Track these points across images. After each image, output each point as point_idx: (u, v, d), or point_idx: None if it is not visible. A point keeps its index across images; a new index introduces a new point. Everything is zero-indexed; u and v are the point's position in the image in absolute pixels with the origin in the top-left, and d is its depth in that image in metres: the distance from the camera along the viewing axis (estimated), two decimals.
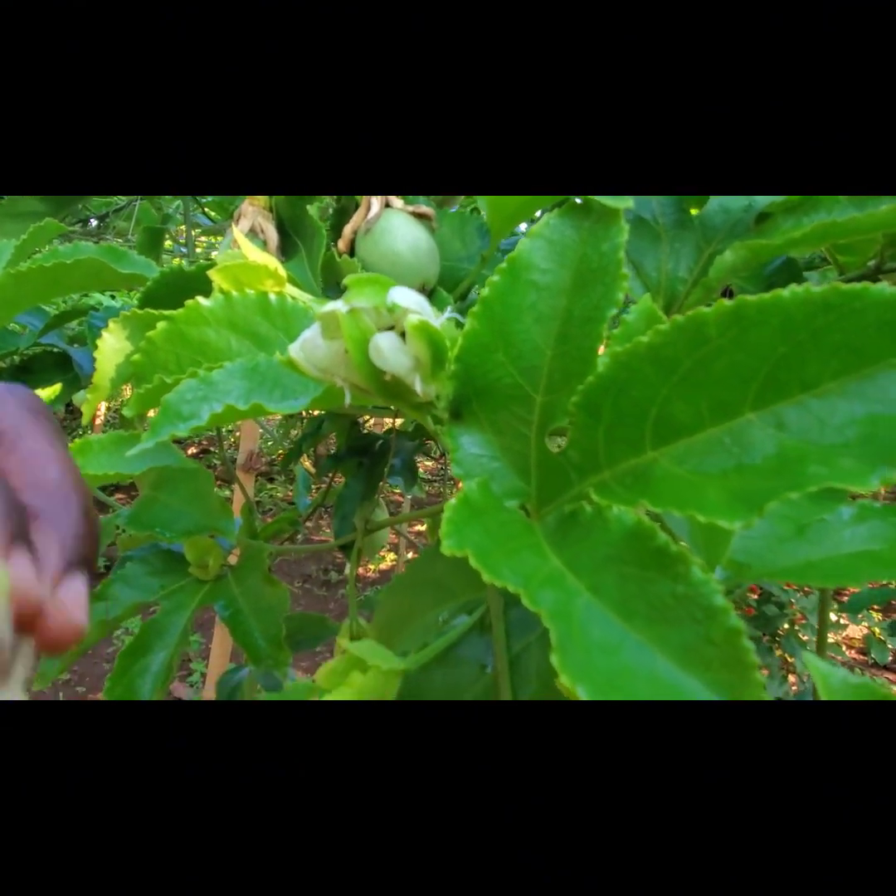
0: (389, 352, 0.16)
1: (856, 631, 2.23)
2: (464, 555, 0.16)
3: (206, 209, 0.77)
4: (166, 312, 0.26)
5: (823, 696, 0.14)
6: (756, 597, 1.77)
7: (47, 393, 0.29)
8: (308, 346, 0.17)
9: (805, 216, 0.23)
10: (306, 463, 0.80)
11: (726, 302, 0.16)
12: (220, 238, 1.07)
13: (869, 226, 0.21)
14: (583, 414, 0.19)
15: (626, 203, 0.19)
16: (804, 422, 0.17)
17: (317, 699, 0.23)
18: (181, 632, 0.38)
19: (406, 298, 0.16)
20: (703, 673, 0.13)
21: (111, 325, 0.27)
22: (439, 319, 0.17)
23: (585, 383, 0.19)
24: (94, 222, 1.00)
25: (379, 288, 0.16)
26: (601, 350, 0.21)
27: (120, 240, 0.92)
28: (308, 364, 0.18)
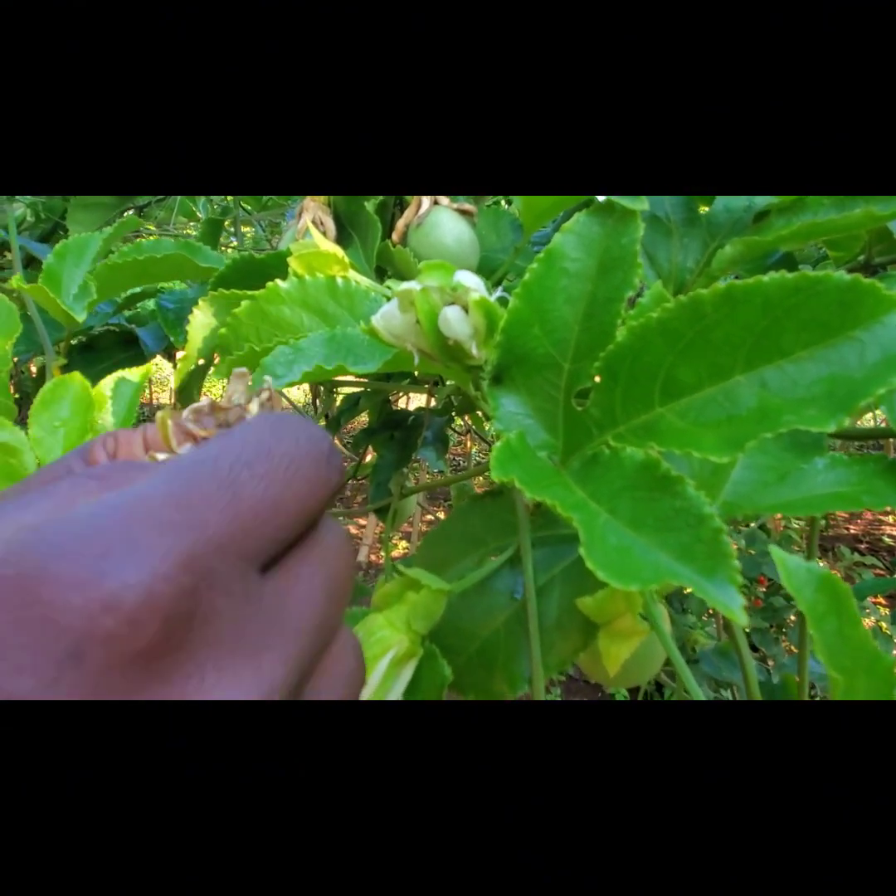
0: (455, 322, 0.21)
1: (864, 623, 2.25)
2: (509, 480, 0.21)
3: (242, 203, 0.81)
4: (249, 292, 0.30)
5: (784, 583, 0.18)
6: (764, 589, 1.80)
7: (143, 370, 0.33)
8: (387, 318, 0.22)
9: (794, 216, 0.28)
10: (337, 442, 0.85)
11: (720, 285, 0.21)
12: (250, 228, 1.12)
13: (844, 226, 0.25)
14: (603, 377, 0.24)
15: (642, 205, 0.23)
16: (781, 381, 0.21)
17: (370, 623, 0.27)
18: None
19: (469, 280, 0.21)
20: (693, 562, 0.18)
21: (200, 303, 0.32)
22: (492, 297, 0.22)
23: (606, 351, 0.23)
24: (131, 212, 1.04)
25: (446, 272, 0.21)
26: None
27: (158, 228, 0.97)
28: (386, 332, 0.22)
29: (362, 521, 2.54)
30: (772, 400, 0.21)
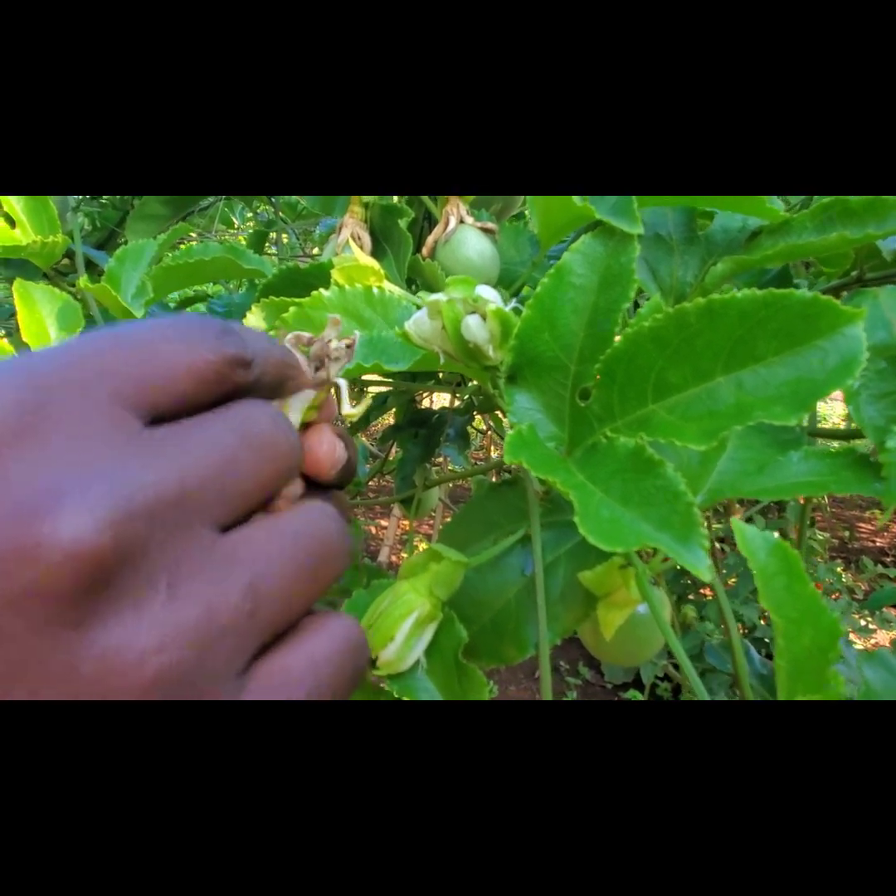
0: (475, 328, 0.24)
1: (884, 637, 2.23)
2: (519, 462, 0.25)
3: (280, 213, 0.86)
4: (296, 300, 0.35)
5: (740, 548, 0.21)
6: None
7: None
8: (417, 323, 0.26)
9: (780, 237, 0.31)
10: (363, 438, 0.89)
11: (701, 299, 0.24)
12: (285, 235, 1.17)
13: (822, 247, 0.29)
14: (603, 377, 0.27)
15: (638, 229, 0.27)
16: (755, 382, 0.24)
17: (397, 588, 0.31)
18: None
19: (487, 293, 0.24)
20: (671, 530, 0.21)
21: (253, 308, 0.36)
22: (507, 308, 0.25)
23: (605, 355, 0.27)
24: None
25: (469, 285, 0.25)
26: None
27: (199, 236, 1.03)
28: (416, 336, 0.26)
29: (384, 523, 2.59)
30: (746, 398, 0.24)
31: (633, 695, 1.86)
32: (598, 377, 0.28)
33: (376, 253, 0.41)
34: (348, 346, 0.19)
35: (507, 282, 0.39)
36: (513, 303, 0.26)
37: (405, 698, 0.30)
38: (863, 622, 2.12)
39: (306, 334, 0.19)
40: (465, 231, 0.36)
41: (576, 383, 0.29)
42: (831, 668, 0.21)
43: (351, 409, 0.20)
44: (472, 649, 0.33)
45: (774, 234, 0.31)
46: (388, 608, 0.29)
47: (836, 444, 0.31)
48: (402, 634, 0.29)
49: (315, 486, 0.18)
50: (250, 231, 0.96)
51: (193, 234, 1.07)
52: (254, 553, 0.14)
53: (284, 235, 0.81)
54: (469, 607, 0.34)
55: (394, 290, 0.35)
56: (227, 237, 1.14)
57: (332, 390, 0.19)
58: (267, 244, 0.81)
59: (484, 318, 0.25)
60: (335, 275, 0.34)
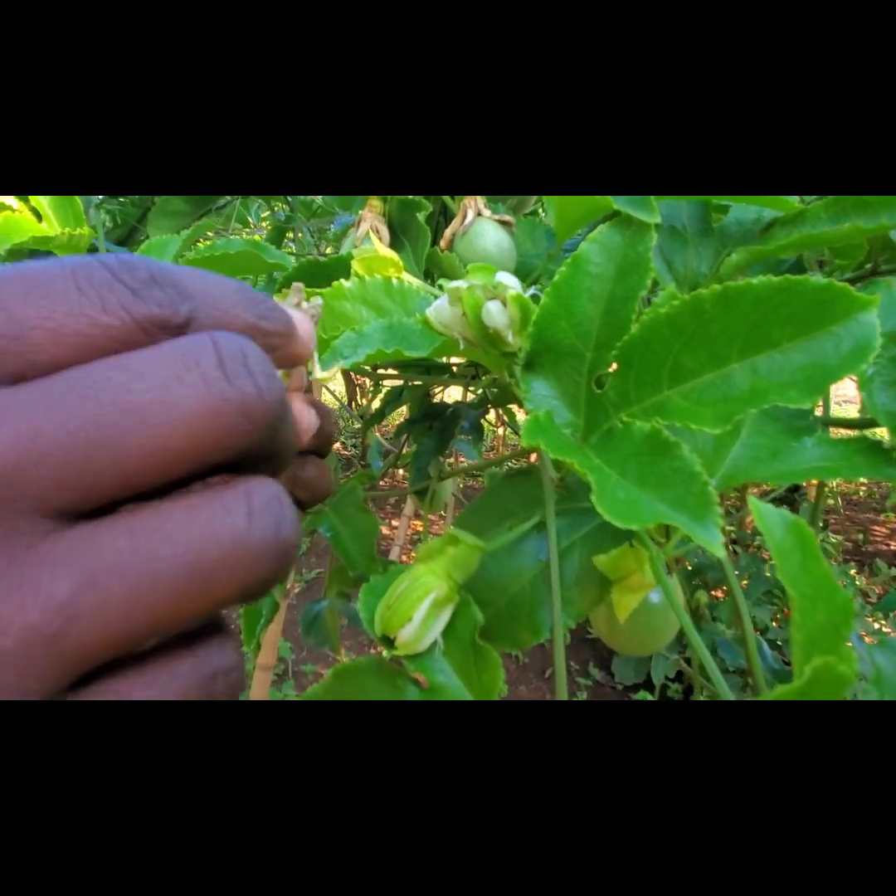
0: (496, 314, 0.25)
1: None
2: (536, 445, 0.25)
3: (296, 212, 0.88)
4: (318, 290, 0.35)
5: (757, 524, 0.22)
6: None
7: None
8: (438, 310, 0.27)
9: (794, 228, 0.31)
10: (377, 434, 0.90)
11: (717, 286, 0.25)
12: (300, 233, 1.18)
13: (835, 238, 0.29)
14: (620, 364, 0.28)
15: (655, 218, 0.27)
16: (770, 368, 0.25)
17: (415, 571, 0.32)
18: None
19: (508, 279, 0.25)
20: (686, 510, 0.22)
21: (275, 298, 0.37)
22: (526, 294, 0.26)
23: (622, 342, 0.27)
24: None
25: (488, 273, 0.26)
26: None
27: (216, 234, 1.04)
28: (437, 322, 0.27)
29: (395, 523, 2.60)
30: (761, 383, 0.25)
31: (644, 695, 1.86)
32: (614, 364, 0.28)
33: (394, 246, 0.42)
34: (313, 316, 0.18)
35: (523, 274, 0.39)
36: (532, 290, 0.26)
37: (422, 676, 0.30)
38: (876, 625, 2.10)
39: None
40: (482, 223, 0.36)
41: (592, 370, 0.30)
42: (844, 645, 0.21)
43: (323, 373, 0.19)
44: (487, 633, 0.34)
45: (788, 225, 0.32)
46: (405, 590, 0.30)
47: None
48: (420, 616, 0.30)
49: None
50: (266, 230, 0.97)
51: (211, 233, 1.09)
52: (92, 557, 0.11)
53: (300, 233, 0.83)
54: (485, 591, 0.34)
55: (412, 280, 0.35)
56: (243, 236, 1.16)
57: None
58: (284, 241, 0.82)
59: (504, 304, 0.25)
60: (355, 265, 0.35)
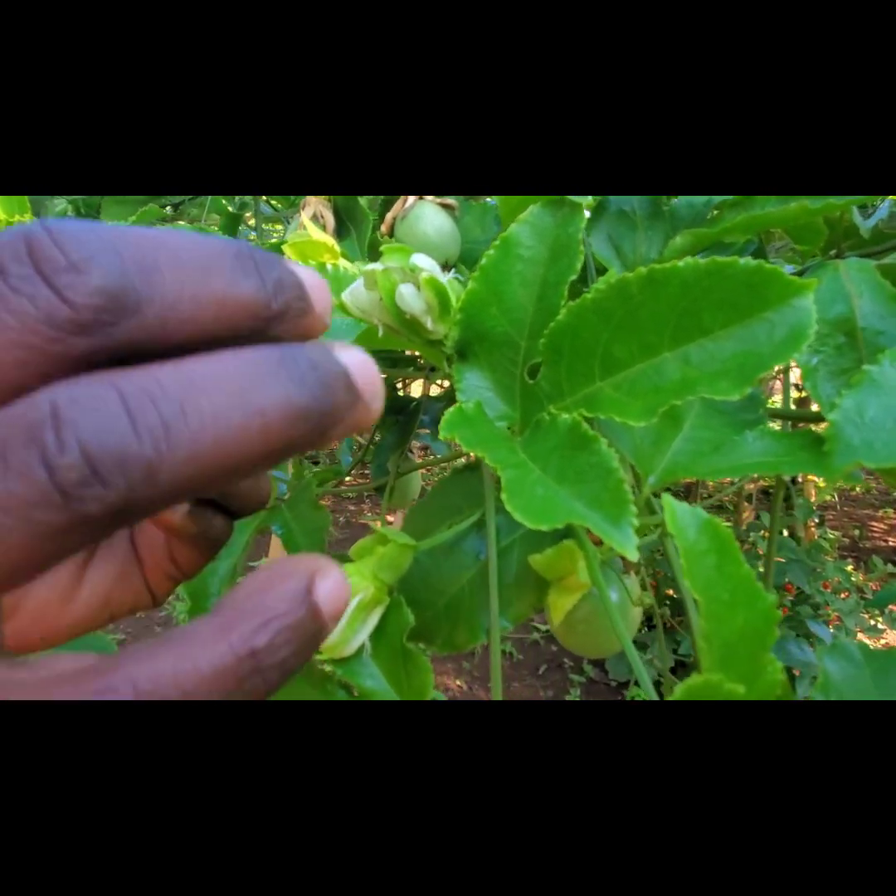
0: (409, 297, 0.24)
1: (893, 637, 2.20)
2: (452, 438, 0.24)
3: (272, 201, 0.86)
4: None
5: (667, 524, 0.20)
6: (792, 597, 1.77)
7: None
8: (355, 294, 0.25)
9: (743, 211, 0.30)
10: None
11: (643, 269, 0.23)
12: (279, 225, 1.17)
13: (782, 219, 0.28)
14: (550, 353, 0.26)
15: (586, 201, 0.26)
16: (702, 357, 0.23)
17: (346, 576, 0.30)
18: (243, 545, 0.47)
19: (422, 261, 0.24)
20: (601, 508, 0.20)
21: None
22: (445, 278, 0.24)
23: (549, 328, 0.26)
24: (168, 209, 1.11)
25: (404, 254, 0.24)
26: None
27: (191, 224, 1.02)
28: (354, 307, 0.25)
29: (390, 518, 2.59)
30: (692, 373, 0.23)
31: (636, 692, 1.85)
32: (544, 352, 0.27)
33: (340, 232, 0.40)
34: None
35: (470, 261, 0.38)
36: (451, 274, 0.25)
37: (349, 682, 0.29)
38: (872, 622, 2.09)
39: None
40: (422, 207, 0.35)
41: (527, 360, 0.28)
42: (767, 654, 0.20)
43: None
44: (425, 634, 0.33)
45: (736, 207, 0.30)
46: None
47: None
48: (344, 618, 0.28)
49: None
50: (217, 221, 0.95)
51: (186, 224, 1.07)
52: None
53: (279, 224, 0.81)
54: (424, 592, 0.33)
55: (348, 266, 0.34)
56: (214, 227, 1.14)
57: None
58: (240, 228, 0.80)
59: (418, 287, 0.24)
60: (287, 251, 0.33)
